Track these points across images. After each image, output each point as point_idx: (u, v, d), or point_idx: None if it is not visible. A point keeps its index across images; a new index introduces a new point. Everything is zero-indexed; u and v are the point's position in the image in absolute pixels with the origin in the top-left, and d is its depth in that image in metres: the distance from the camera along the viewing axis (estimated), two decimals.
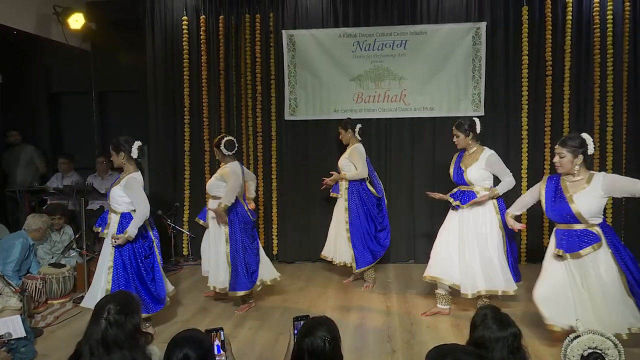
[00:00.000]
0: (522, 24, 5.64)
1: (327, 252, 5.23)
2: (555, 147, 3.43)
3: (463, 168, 4.18)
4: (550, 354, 3.39)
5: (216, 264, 4.44)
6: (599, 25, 5.52)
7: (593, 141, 3.36)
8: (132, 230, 3.79)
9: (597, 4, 5.51)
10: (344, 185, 5.02)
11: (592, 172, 3.37)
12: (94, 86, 6.83)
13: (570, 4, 5.55)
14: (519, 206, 3.79)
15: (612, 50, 5.50)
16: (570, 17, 5.57)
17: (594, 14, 5.53)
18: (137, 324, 2.17)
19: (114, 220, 3.90)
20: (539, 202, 3.55)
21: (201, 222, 4.73)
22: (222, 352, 2.27)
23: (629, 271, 3.26)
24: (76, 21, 5.89)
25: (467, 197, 4.12)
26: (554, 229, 3.51)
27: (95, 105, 6.91)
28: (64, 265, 4.90)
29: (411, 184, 5.92)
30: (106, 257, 3.88)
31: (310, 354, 1.97)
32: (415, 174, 5.91)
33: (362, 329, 4.05)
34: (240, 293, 4.35)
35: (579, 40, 5.61)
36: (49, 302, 4.65)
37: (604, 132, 5.59)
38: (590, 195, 3.28)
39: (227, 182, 4.32)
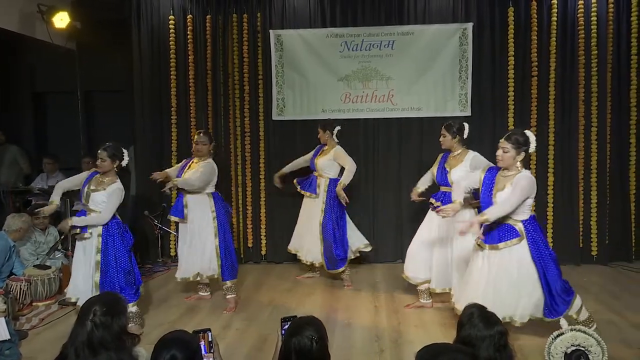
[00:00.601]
0: (508, 25, 5.69)
1: (294, 246, 5.31)
2: (500, 140, 3.47)
3: (448, 169, 4.22)
4: (535, 352, 3.42)
5: (202, 252, 4.47)
6: (583, 27, 5.59)
7: (536, 140, 3.47)
8: (77, 221, 3.88)
9: (582, 6, 5.58)
10: (322, 184, 5.01)
11: (520, 171, 3.42)
12: (79, 85, 6.76)
13: (555, 6, 5.61)
14: (460, 193, 3.76)
15: (596, 52, 5.58)
16: (555, 19, 5.62)
17: (578, 15, 5.59)
18: (124, 325, 2.15)
19: None
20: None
21: (177, 219, 4.58)
22: (209, 353, 2.26)
23: (542, 270, 3.38)
24: (61, 20, 5.82)
25: (449, 199, 4.08)
26: None
27: (81, 104, 6.84)
28: (49, 267, 4.85)
29: (399, 184, 5.94)
30: (92, 252, 3.88)
31: (298, 354, 1.97)
32: (402, 174, 5.93)
33: (350, 328, 4.05)
34: (234, 281, 4.54)
35: (564, 42, 5.67)
36: (33, 304, 4.59)
37: (588, 132, 5.66)
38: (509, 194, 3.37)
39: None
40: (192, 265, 4.53)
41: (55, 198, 4.05)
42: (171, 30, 5.95)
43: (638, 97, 5.63)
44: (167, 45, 5.98)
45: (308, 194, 5.15)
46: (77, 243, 4.00)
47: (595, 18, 5.55)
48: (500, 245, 3.40)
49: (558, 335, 2.24)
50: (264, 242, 6.08)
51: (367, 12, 5.86)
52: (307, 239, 5.11)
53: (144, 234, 6.07)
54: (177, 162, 6.01)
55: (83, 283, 3.90)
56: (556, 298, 3.41)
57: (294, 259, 6.00)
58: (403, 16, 5.82)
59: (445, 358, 1.66)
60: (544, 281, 3.40)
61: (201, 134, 4.61)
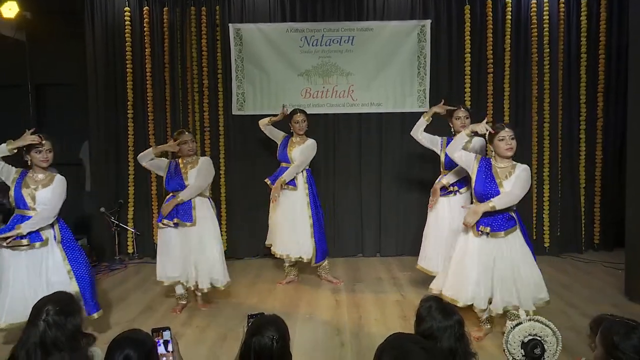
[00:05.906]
0: (465, 22, 5.80)
1: (274, 242, 4.96)
2: (506, 129, 3.63)
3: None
4: (489, 340, 3.52)
5: (206, 257, 4.28)
6: (536, 26, 5.76)
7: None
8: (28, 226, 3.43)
9: (535, 5, 5.75)
10: (301, 177, 4.85)
11: (515, 163, 3.70)
12: (29, 79, 6.49)
13: (510, 5, 5.76)
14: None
15: (548, 50, 5.76)
16: (510, 17, 5.77)
17: (531, 14, 5.76)
18: (78, 324, 2.09)
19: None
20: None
21: (188, 224, 4.20)
22: (167, 351, 2.22)
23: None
24: (9, 9, 5.56)
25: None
26: None
27: (32, 99, 6.57)
28: None
29: (359, 178, 5.99)
30: (58, 260, 3.52)
31: (257, 354, 1.94)
32: (362, 169, 5.98)
33: (311, 323, 4.06)
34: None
35: (518, 40, 5.83)
36: None
37: (541, 127, 5.85)
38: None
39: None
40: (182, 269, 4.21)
41: None
42: (127, 23, 5.78)
43: (587, 93, 5.86)
44: (123, 38, 5.81)
45: (291, 187, 4.83)
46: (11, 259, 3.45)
47: (547, 17, 5.73)
48: (504, 233, 3.45)
49: (517, 325, 2.29)
50: (224, 237, 5.98)
51: (326, 7, 5.87)
52: (295, 234, 4.83)
53: (100, 231, 5.92)
54: (134, 158, 5.85)
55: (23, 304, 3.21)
56: None
57: (254, 254, 5.98)
58: (362, 12, 5.86)
59: (397, 347, 1.70)
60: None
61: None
